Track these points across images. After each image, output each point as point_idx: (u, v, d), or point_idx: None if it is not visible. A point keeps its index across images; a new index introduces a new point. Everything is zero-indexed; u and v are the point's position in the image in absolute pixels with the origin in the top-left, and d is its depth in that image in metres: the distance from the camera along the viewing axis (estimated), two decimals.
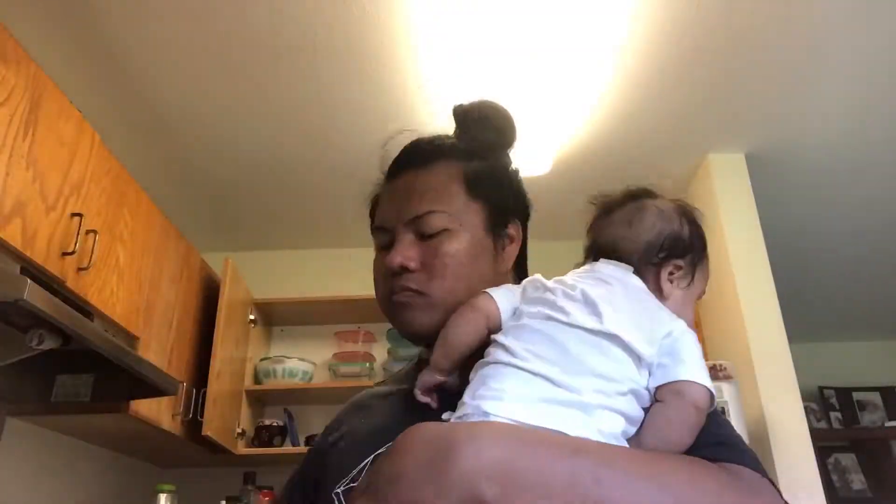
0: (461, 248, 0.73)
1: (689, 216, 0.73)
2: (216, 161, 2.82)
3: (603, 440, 0.56)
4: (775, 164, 2.87)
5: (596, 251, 0.73)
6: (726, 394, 2.25)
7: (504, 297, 0.69)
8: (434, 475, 0.50)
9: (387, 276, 0.75)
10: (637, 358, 0.60)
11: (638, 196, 0.75)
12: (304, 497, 0.80)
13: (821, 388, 4.38)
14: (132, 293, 2.15)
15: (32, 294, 1.40)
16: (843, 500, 4.04)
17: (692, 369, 0.62)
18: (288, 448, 2.91)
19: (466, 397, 0.60)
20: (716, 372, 2.28)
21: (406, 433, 0.55)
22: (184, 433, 2.46)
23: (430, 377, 0.68)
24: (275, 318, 3.28)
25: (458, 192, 0.76)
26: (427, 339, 0.75)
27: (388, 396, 0.82)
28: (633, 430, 0.60)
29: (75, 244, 1.77)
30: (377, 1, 2.03)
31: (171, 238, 2.51)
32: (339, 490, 0.69)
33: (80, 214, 1.82)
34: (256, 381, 3.01)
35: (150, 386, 2.00)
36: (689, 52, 2.27)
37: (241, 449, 2.76)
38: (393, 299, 0.75)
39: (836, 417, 4.32)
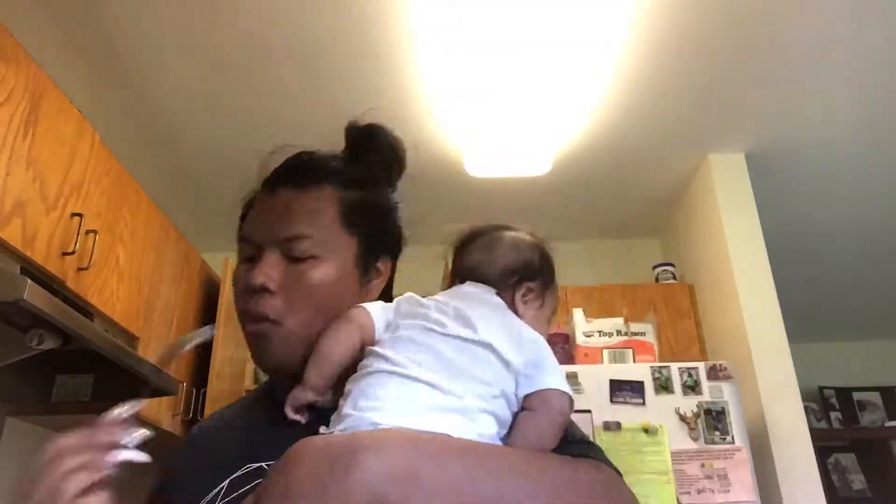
0: (326, 278, 0.72)
1: (540, 247, 0.80)
2: (216, 161, 2.82)
3: (483, 441, 0.60)
4: (775, 164, 2.87)
5: (461, 274, 0.78)
6: (726, 394, 2.25)
7: (378, 310, 0.71)
8: (334, 485, 0.49)
9: (245, 293, 0.73)
10: (507, 365, 0.65)
11: (498, 228, 0.82)
12: None
13: (821, 388, 4.37)
14: (132, 293, 2.15)
15: (32, 294, 1.40)
16: (843, 500, 4.04)
17: (556, 379, 0.67)
18: None
19: (348, 409, 0.61)
20: (716, 372, 2.28)
21: (294, 448, 0.53)
22: (184, 433, 2.46)
23: (302, 395, 0.67)
24: None
25: (333, 222, 0.74)
26: (281, 375, 0.74)
27: (234, 426, 0.80)
28: (503, 432, 0.64)
29: (75, 244, 1.77)
30: (376, 2, 2.03)
31: (171, 238, 2.51)
32: None
33: (80, 214, 1.82)
34: (256, 381, 3.01)
35: (150, 386, 2.00)
36: (689, 52, 2.26)
37: None
38: (248, 329, 0.73)
39: (836, 417, 4.32)
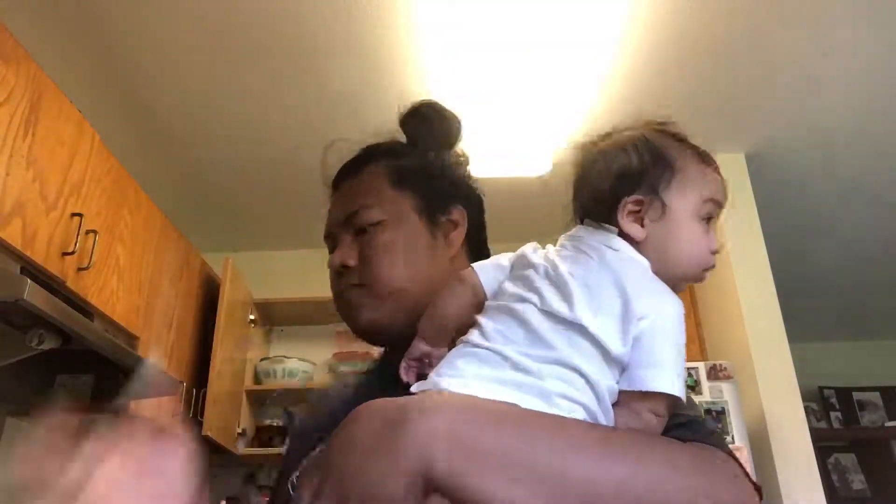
0: (394, 236, 0.75)
1: (637, 141, 0.67)
2: (216, 161, 2.82)
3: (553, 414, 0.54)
4: (775, 164, 2.87)
5: (577, 211, 0.70)
6: (726, 394, 2.25)
7: (489, 272, 0.66)
8: (384, 445, 0.49)
9: (334, 278, 0.78)
10: (606, 352, 0.56)
11: (597, 140, 0.71)
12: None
13: (821, 388, 4.37)
14: (132, 293, 2.15)
15: (32, 294, 1.40)
16: (843, 500, 4.04)
17: (662, 375, 0.56)
18: None
19: (431, 375, 0.58)
20: (716, 372, 2.29)
21: (358, 407, 0.53)
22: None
23: (415, 347, 0.66)
24: (275, 318, 3.28)
25: (384, 186, 0.79)
26: (380, 337, 0.77)
27: (348, 389, 0.83)
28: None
29: (75, 244, 1.77)
30: (376, 2, 2.03)
31: (171, 238, 2.51)
32: (293, 476, 0.68)
33: (80, 214, 1.82)
34: (256, 381, 3.01)
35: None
36: (688, 52, 2.27)
37: (241, 449, 2.76)
38: (342, 298, 0.77)
39: (836, 417, 4.32)
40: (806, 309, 3.59)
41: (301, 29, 2.13)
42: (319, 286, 3.44)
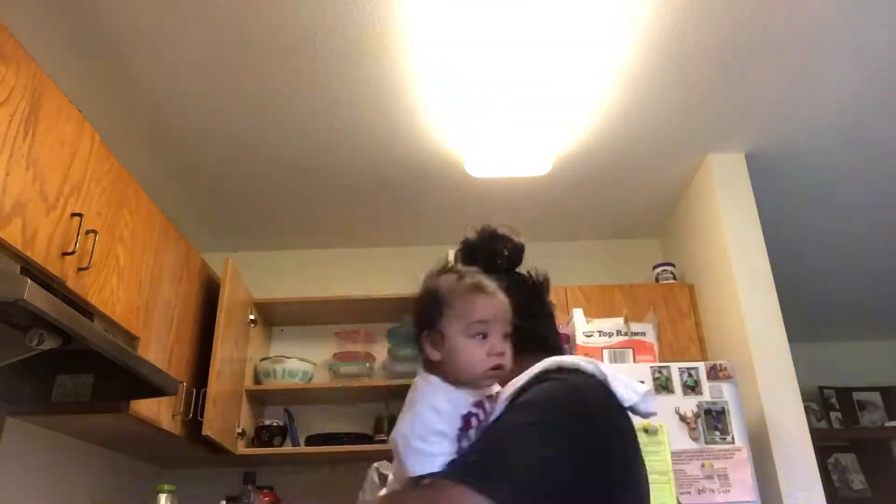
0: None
1: (425, 290, 0.91)
2: (216, 161, 2.82)
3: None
4: (775, 164, 2.87)
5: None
6: (726, 394, 2.25)
7: None
8: None
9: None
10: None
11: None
12: None
13: (821, 388, 4.37)
14: (132, 293, 2.15)
15: (32, 294, 1.40)
16: (843, 500, 4.04)
17: (405, 465, 0.80)
18: (288, 448, 2.91)
19: None
20: (716, 372, 2.29)
21: None
22: (184, 433, 2.46)
23: None
24: (275, 318, 3.28)
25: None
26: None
27: None
28: None
29: (75, 244, 1.77)
30: (377, 2, 2.03)
31: (171, 238, 2.51)
32: None
33: (80, 214, 1.82)
34: (256, 381, 3.01)
35: (150, 386, 2.00)
36: (689, 52, 2.27)
37: (241, 449, 2.76)
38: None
39: (836, 417, 4.32)
40: (806, 309, 3.59)
41: (301, 29, 2.13)
42: (319, 286, 3.45)
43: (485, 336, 0.86)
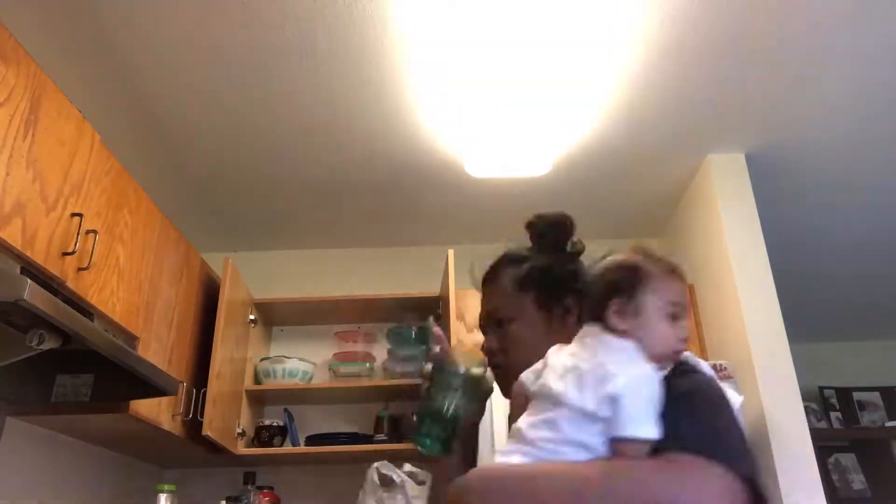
0: (520, 329, 1.05)
1: (624, 260, 0.91)
2: (216, 161, 2.82)
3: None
4: (775, 164, 2.87)
5: (585, 315, 0.93)
6: (726, 394, 2.25)
7: (530, 378, 0.91)
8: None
9: (487, 356, 1.09)
10: (587, 414, 0.78)
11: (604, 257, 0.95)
12: None
13: (821, 388, 4.37)
14: (132, 293, 2.15)
15: (32, 294, 1.40)
16: (843, 500, 4.03)
17: (634, 423, 0.76)
18: (288, 448, 2.91)
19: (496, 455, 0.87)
20: (716, 372, 2.28)
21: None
22: (184, 433, 2.45)
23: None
24: (275, 318, 3.28)
25: (511, 290, 1.07)
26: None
27: None
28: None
29: (75, 244, 1.77)
30: (377, 2, 2.03)
31: (171, 238, 2.51)
32: None
33: (80, 214, 1.82)
34: (256, 381, 3.01)
35: (150, 386, 2.00)
36: (689, 52, 2.26)
37: (241, 449, 2.76)
38: (492, 371, 1.08)
39: (836, 417, 4.31)
40: (806, 309, 3.58)
41: (301, 29, 2.13)
42: (319, 286, 3.45)
43: (675, 318, 0.86)
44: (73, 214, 1.81)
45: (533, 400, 0.86)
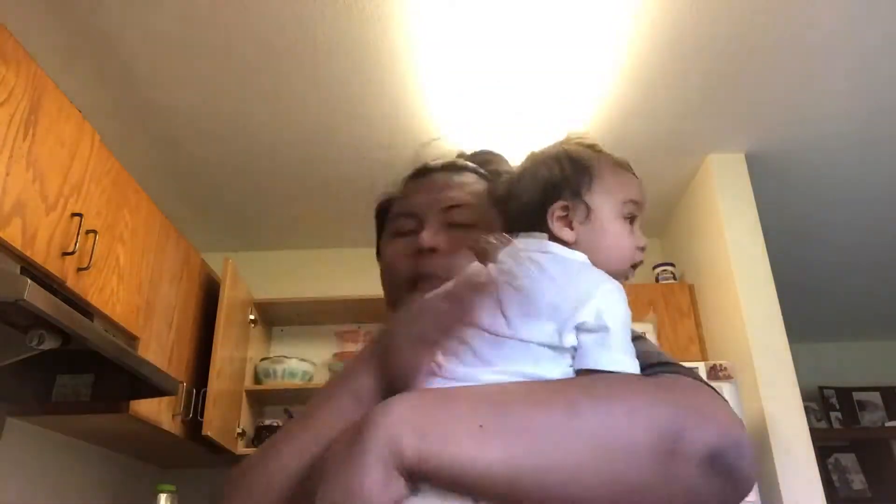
0: None
1: (561, 152, 0.73)
2: (216, 161, 2.82)
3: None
4: (775, 164, 2.87)
5: (505, 229, 0.71)
6: (726, 394, 2.25)
7: None
8: (354, 450, 0.50)
9: (409, 256, 0.78)
10: (551, 348, 0.58)
11: (529, 157, 0.77)
12: None
13: (821, 388, 4.37)
14: (132, 293, 2.15)
15: (32, 294, 1.40)
16: (843, 500, 4.04)
17: (607, 354, 0.58)
18: None
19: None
20: (716, 372, 2.29)
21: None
22: (184, 433, 2.45)
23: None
24: (275, 318, 3.28)
25: (484, 198, 0.82)
26: None
27: None
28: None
29: (75, 244, 1.77)
30: (377, 1, 2.03)
31: (171, 238, 2.51)
32: None
33: (80, 214, 1.82)
34: (256, 381, 3.01)
35: (150, 386, 2.00)
36: (689, 52, 2.27)
37: (242, 449, 2.76)
38: (420, 288, 0.74)
39: (836, 417, 4.31)
40: (806, 309, 3.59)
41: (302, 29, 2.13)
42: (319, 286, 3.45)
43: (632, 222, 0.70)
44: (73, 214, 1.81)
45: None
